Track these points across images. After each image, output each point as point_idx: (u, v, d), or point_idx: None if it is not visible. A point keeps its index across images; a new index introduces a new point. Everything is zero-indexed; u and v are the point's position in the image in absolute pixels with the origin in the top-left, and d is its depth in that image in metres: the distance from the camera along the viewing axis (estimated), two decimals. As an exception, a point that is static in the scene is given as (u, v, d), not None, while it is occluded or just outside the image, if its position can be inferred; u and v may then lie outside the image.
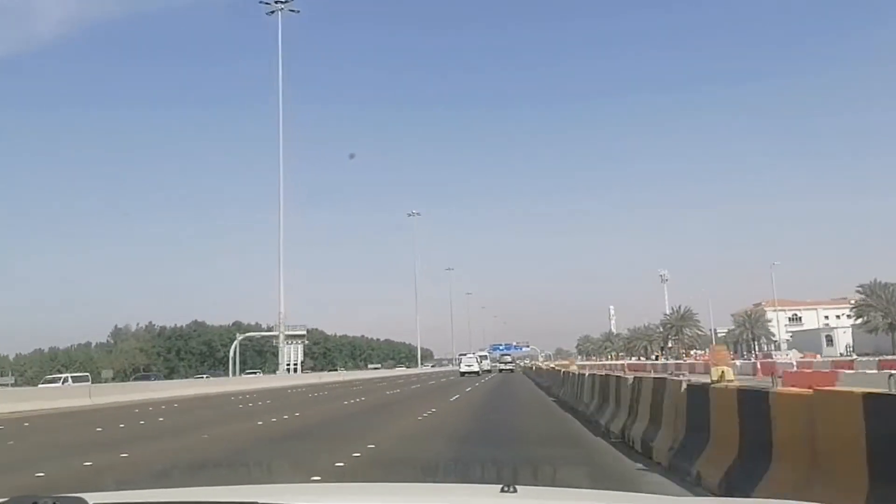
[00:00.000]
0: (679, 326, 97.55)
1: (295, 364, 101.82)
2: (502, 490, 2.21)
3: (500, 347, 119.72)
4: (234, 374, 74.50)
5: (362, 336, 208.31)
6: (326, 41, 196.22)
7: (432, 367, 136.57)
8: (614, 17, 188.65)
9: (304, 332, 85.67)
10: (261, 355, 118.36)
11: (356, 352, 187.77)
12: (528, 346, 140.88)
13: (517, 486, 2.23)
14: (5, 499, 1.89)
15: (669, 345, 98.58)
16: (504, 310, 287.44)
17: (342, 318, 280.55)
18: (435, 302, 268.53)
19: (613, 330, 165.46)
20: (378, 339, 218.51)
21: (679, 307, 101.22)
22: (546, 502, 2.66)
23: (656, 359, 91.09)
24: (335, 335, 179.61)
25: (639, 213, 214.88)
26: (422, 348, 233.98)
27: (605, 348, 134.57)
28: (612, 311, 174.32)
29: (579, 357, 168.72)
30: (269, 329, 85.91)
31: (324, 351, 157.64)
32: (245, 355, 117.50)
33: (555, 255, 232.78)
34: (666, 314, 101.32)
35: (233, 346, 76.30)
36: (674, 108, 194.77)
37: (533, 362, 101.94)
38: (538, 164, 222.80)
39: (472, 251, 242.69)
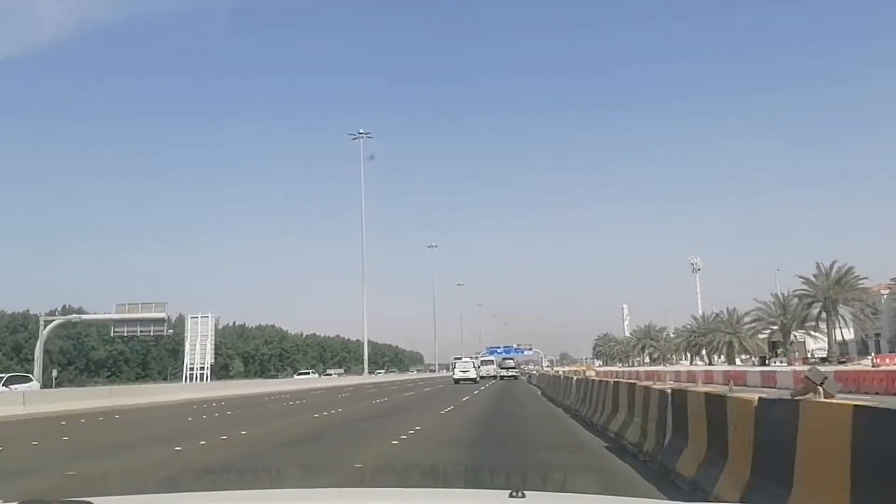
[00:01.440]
0: (829, 301, 54.90)
1: (202, 367, 71.50)
2: (511, 495, 2.18)
3: (499, 350, 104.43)
4: (39, 377, 44.28)
5: (337, 336, 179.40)
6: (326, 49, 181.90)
7: (381, 373, 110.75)
8: (618, 27, 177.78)
9: (163, 316, 55.08)
10: (175, 356, 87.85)
11: (326, 353, 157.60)
12: (530, 349, 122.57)
13: (525, 492, 2.20)
14: (15, 502, 1.93)
15: (794, 337, 62.16)
16: (501, 310, 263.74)
17: (334, 319, 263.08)
18: (427, 302, 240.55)
19: (626, 332, 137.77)
20: (356, 340, 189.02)
21: (831, 265, 58.14)
22: None
23: (763, 363, 59.68)
24: (300, 334, 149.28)
25: (643, 211, 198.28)
26: (411, 352, 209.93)
27: (642, 348, 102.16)
28: (626, 311, 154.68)
29: (597, 362, 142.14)
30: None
31: (279, 352, 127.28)
32: (147, 356, 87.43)
33: (555, 254, 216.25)
34: (813, 275, 59.34)
35: (39, 341, 46.02)
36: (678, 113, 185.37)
37: (546, 368, 73.18)
38: (536, 162, 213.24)
39: (467, 246, 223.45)
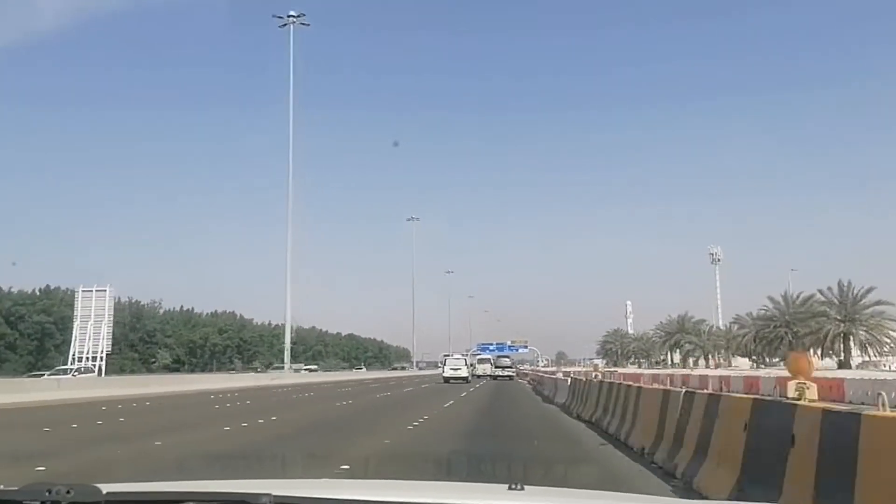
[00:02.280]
0: None
1: (92, 356, 54.06)
2: (510, 488, 2.20)
3: (491, 347, 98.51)
4: None
5: (313, 327, 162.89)
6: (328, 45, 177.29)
7: (313, 369, 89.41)
8: (622, 27, 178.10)
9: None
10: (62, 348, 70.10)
11: (296, 347, 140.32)
12: (525, 347, 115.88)
13: (525, 485, 2.22)
14: (17, 487, 1.92)
15: None
16: (494, 307, 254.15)
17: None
18: (420, 298, 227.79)
19: (630, 329, 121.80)
20: (335, 333, 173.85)
21: None
22: (553, 501, 2.61)
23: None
24: (267, 323, 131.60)
25: (643, 211, 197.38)
26: (398, 348, 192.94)
27: (674, 345, 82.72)
28: (630, 308, 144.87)
29: (598, 362, 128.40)
30: None
31: (237, 343, 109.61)
32: (44, 342, 69.71)
33: (552, 252, 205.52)
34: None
35: None
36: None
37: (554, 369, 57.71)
38: (533, 161, 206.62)
39: (464, 244, 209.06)
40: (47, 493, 1.78)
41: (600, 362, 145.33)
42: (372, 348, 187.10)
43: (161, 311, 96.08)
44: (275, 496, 1.84)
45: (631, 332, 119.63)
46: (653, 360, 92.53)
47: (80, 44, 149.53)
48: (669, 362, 79.85)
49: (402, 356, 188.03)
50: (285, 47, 52.97)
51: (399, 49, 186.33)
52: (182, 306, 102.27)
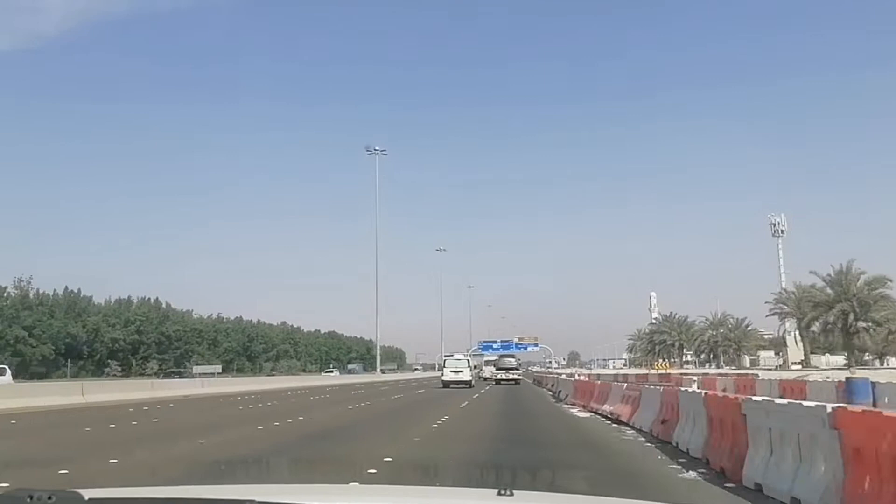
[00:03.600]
0: None
1: None
2: (499, 493, 2.22)
3: (495, 346, 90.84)
4: None
5: (283, 323, 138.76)
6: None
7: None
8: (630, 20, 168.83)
9: None
10: None
11: (254, 344, 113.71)
12: (537, 346, 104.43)
13: (514, 490, 2.24)
14: None
15: None
16: (498, 304, 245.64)
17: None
18: (406, 289, 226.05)
19: (655, 318, 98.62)
20: (314, 330, 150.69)
21: None
22: None
23: None
24: (214, 317, 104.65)
25: (652, 207, 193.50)
26: (392, 348, 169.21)
27: (824, 329, 46.76)
28: (654, 300, 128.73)
29: (613, 363, 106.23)
30: None
31: (157, 338, 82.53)
32: None
33: (560, 251, 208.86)
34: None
35: None
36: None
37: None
38: (530, 159, 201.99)
39: (460, 237, 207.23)
40: (28, 500, 1.73)
41: (611, 364, 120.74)
42: (358, 348, 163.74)
43: (31, 294, 69.15)
44: (258, 502, 1.85)
45: (703, 318, 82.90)
46: (737, 357, 62.67)
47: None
48: (803, 360, 49.27)
49: (395, 357, 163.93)
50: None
51: (398, 47, 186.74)
52: (67, 288, 75.05)
